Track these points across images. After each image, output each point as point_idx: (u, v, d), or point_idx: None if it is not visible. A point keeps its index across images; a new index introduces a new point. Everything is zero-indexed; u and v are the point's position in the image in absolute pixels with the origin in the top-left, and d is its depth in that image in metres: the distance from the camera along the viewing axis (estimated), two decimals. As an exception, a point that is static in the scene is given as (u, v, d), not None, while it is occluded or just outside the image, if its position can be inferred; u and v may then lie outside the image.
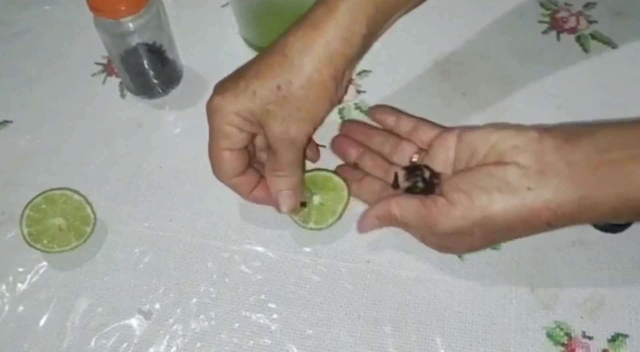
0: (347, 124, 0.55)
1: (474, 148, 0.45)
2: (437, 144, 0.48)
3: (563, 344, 0.45)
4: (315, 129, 0.46)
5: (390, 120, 0.52)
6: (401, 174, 0.49)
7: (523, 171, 0.42)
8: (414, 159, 0.50)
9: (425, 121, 0.51)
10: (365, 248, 0.50)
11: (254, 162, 0.50)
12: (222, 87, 0.46)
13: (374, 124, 0.54)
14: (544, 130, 0.43)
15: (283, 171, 0.47)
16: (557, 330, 0.45)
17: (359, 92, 0.58)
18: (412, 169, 0.49)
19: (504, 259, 0.48)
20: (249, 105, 0.44)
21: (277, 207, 0.48)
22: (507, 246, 0.49)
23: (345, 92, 0.49)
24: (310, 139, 0.48)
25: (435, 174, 0.48)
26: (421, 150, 0.50)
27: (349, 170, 0.52)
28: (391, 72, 0.59)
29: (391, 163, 0.51)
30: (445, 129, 0.49)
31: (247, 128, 0.46)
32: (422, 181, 0.48)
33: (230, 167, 0.47)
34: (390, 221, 0.47)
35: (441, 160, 0.48)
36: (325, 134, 0.54)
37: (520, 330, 0.45)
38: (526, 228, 0.43)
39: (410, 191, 0.48)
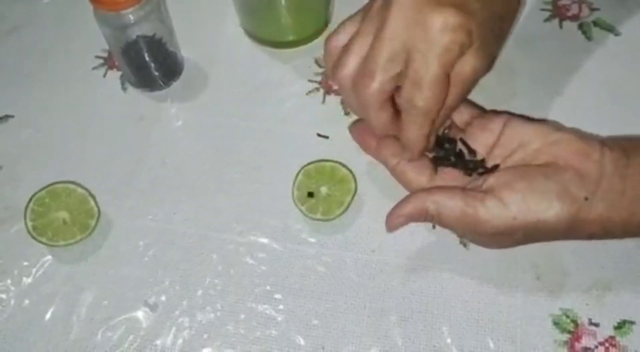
0: None
1: (527, 140, 0.43)
2: (480, 124, 0.46)
3: (569, 332, 0.45)
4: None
5: None
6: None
7: (583, 181, 0.41)
8: (445, 131, 0.48)
9: (467, 99, 0.48)
10: (371, 238, 0.49)
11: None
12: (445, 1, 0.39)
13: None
14: (605, 140, 0.43)
15: (452, 107, 0.43)
16: (564, 317, 0.45)
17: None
18: (445, 141, 0.47)
19: (509, 248, 0.48)
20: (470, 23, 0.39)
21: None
22: (512, 234, 0.49)
23: None
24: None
25: (470, 150, 0.46)
26: (454, 127, 0.48)
27: (367, 127, 0.46)
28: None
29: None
30: (491, 111, 0.47)
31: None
32: (455, 156, 0.46)
33: (444, 98, 0.41)
34: (425, 218, 0.44)
35: (479, 142, 0.46)
36: (329, 127, 0.54)
37: (526, 318, 0.45)
38: (568, 235, 0.42)
39: (438, 161, 0.46)
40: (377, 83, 0.41)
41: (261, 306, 0.47)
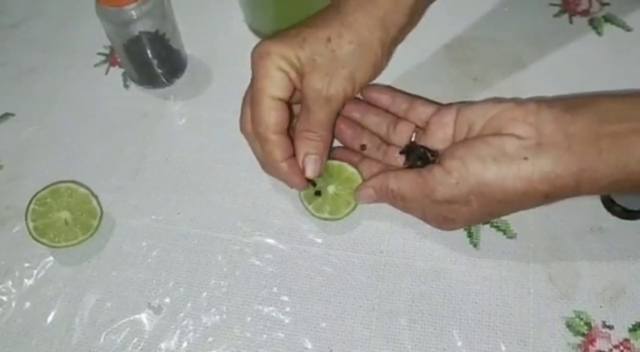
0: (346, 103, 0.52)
1: (472, 122, 0.44)
2: (435, 121, 0.47)
3: (583, 334, 0.44)
4: (353, 93, 0.45)
5: (385, 99, 0.51)
6: (399, 158, 0.49)
7: (521, 142, 0.41)
8: (413, 139, 0.49)
9: (421, 99, 0.50)
10: (379, 238, 0.49)
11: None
12: (272, 36, 0.45)
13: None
14: (542, 101, 0.43)
15: (313, 132, 0.45)
16: (577, 320, 0.44)
17: (368, 79, 0.57)
18: (409, 151, 0.48)
19: (520, 248, 0.47)
20: (298, 52, 0.44)
21: (295, 177, 0.46)
22: (524, 235, 0.48)
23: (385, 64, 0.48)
24: (343, 106, 0.46)
25: (432, 152, 0.47)
26: (419, 129, 0.49)
27: (346, 153, 0.51)
28: (400, 57, 0.57)
29: (389, 144, 0.50)
30: (443, 106, 0.48)
31: (292, 76, 0.44)
32: (419, 160, 0.47)
33: (277, 119, 0.45)
34: (387, 193, 0.45)
35: (439, 138, 0.47)
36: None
37: (538, 320, 0.44)
38: (523, 200, 0.42)
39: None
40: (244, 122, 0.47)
41: (267, 308, 0.46)
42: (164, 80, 0.58)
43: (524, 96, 0.54)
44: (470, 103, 0.46)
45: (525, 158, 0.40)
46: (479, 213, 0.43)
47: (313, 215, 0.49)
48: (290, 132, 0.47)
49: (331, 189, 0.49)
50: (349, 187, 0.48)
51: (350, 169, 0.48)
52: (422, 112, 0.49)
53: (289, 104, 0.46)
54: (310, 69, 0.44)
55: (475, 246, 0.48)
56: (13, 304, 0.48)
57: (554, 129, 0.41)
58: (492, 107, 0.44)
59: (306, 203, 0.49)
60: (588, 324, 0.44)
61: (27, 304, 0.48)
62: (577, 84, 0.54)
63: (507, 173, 0.41)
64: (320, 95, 0.44)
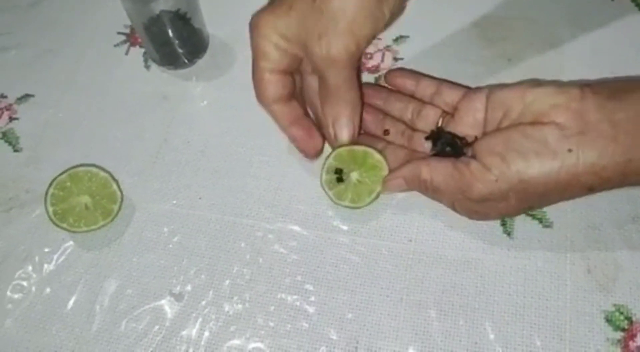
0: (366, 90, 0.51)
1: (507, 107, 0.42)
2: (464, 106, 0.45)
3: (623, 329, 0.42)
4: (358, 48, 0.42)
5: (409, 84, 0.49)
6: (426, 144, 0.47)
7: (563, 132, 0.39)
8: (440, 124, 0.47)
9: (448, 82, 0.48)
10: (407, 226, 0.47)
11: (299, 98, 0.48)
12: (262, 8, 0.45)
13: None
14: (586, 86, 0.40)
15: (333, 97, 0.44)
16: (617, 314, 0.42)
17: (396, 59, 0.55)
18: (436, 137, 0.46)
19: (557, 238, 0.45)
20: (286, 21, 0.42)
21: (307, 139, 0.46)
22: (561, 224, 0.45)
23: (394, 18, 0.45)
24: (357, 64, 0.44)
25: (460, 138, 0.45)
26: (446, 114, 0.47)
27: (369, 139, 0.49)
28: (430, 37, 0.56)
29: (414, 130, 0.48)
30: (472, 89, 0.46)
31: (285, 47, 0.43)
32: (448, 146, 0.45)
33: (271, 91, 0.45)
34: (419, 184, 0.44)
35: (469, 123, 0.45)
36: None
37: (576, 314, 0.42)
38: (565, 193, 0.40)
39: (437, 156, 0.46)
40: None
41: (291, 297, 0.45)
42: (185, 60, 0.56)
43: (562, 78, 0.51)
44: (501, 86, 0.43)
45: (569, 150, 0.38)
46: (516, 208, 0.42)
47: (334, 202, 0.47)
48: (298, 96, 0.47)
49: (354, 176, 0.47)
50: (373, 175, 0.46)
51: (377, 156, 0.46)
52: (449, 96, 0.46)
53: (290, 73, 0.45)
54: (305, 36, 0.42)
55: (509, 235, 0.45)
56: (33, 289, 0.47)
57: (599, 117, 0.38)
58: (530, 90, 0.41)
59: (327, 189, 0.47)
60: (629, 318, 0.42)
61: (47, 289, 0.47)
62: (618, 66, 0.52)
63: (550, 168, 0.38)
64: (323, 59, 0.42)
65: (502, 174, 0.39)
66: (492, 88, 0.44)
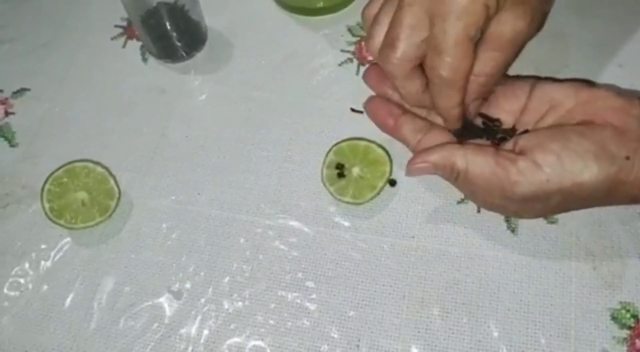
0: None
1: (557, 102, 0.40)
2: (504, 91, 0.43)
3: (630, 327, 0.41)
4: (530, 33, 0.40)
5: None
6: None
7: (622, 138, 0.37)
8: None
9: None
10: (410, 222, 0.46)
11: None
12: None
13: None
14: None
15: (493, 76, 0.40)
16: (623, 312, 0.41)
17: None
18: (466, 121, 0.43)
19: (562, 233, 0.44)
20: None
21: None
22: (566, 219, 0.45)
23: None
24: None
25: (491, 119, 0.43)
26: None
27: (387, 104, 0.45)
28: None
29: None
30: (516, 77, 0.44)
31: (492, 12, 0.37)
32: (481, 129, 0.43)
33: (471, 65, 0.38)
34: (450, 173, 0.40)
35: (505, 109, 0.43)
36: (363, 101, 0.50)
37: (581, 312, 0.42)
38: (605, 199, 0.38)
39: (463, 136, 0.43)
40: (400, 51, 0.39)
41: (292, 294, 0.44)
42: (183, 53, 0.55)
43: (567, 71, 0.51)
44: (549, 80, 0.42)
45: (627, 157, 0.37)
46: (553, 209, 0.40)
47: (335, 198, 0.46)
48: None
49: (356, 171, 0.46)
50: (375, 170, 0.45)
51: (378, 151, 0.45)
52: None
53: None
54: (508, 5, 0.37)
55: (513, 231, 0.45)
56: (30, 286, 0.46)
57: None
58: (586, 89, 0.40)
59: (328, 185, 0.46)
60: (635, 316, 0.41)
61: (45, 287, 0.46)
62: (625, 59, 0.51)
63: (607, 173, 0.37)
64: (521, 34, 0.38)
65: (555, 174, 0.37)
66: (539, 80, 0.42)
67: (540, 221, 0.45)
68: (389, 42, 0.40)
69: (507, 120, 0.43)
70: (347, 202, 0.46)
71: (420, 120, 0.44)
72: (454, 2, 0.36)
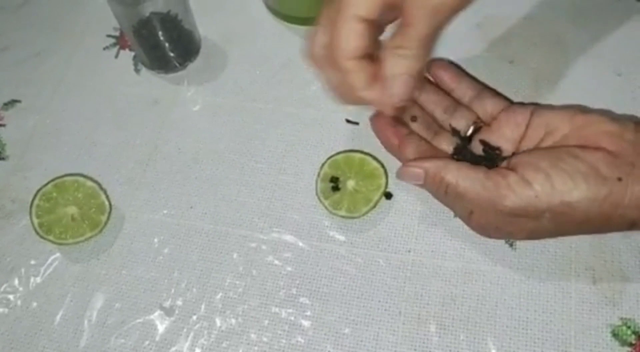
0: None
1: (553, 127, 0.40)
2: (506, 118, 0.43)
3: (631, 344, 0.40)
4: (462, 4, 0.38)
5: (451, 80, 0.46)
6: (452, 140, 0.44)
7: (614, 160, 0.37)
8: (471, 130, 0.44)
9: (491, 90, 0.46)
10: (406, 236, 0.45)
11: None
12: None
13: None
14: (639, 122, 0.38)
15: (410, 48, 0.37)
16: (624, 328, 0.40)
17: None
18: (465, 143, 0.43)
19: (561, 248, 0.43)
20: None
21: (385, 99, 0.39)
22: (565, 233, 0.44)
23: None
24: (448, 21, 0.38)
25: (493, 149, 0.43)
26: (480, 121, 0.44)
27: (394, 122, 0.44)
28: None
29: (440, 126, 0.45)
30: (516, 103, 0.44)
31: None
32: (482, 156, 0.43)
33: (361, 43, 0.38)
34: (439, 185, 0.40)
35: (506, 137, 0.43)
36: (359, 112, 0.49)
37: (581, 328, 0.41)
38: (605, 225, 0.37)
39: (461, 158, 0.43)
40: (345, 33, 0.38)
41: (286, 311, 0.43)
42: (176, 64, 0.54)
43: (565, 80, 0.50)
44: (548, 106, 0.42)
45: (619, 179, 0.36)
46: (547, 231, 0.39)
47: (329, 212, 0.45)
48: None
49: (350, 184, 0.45)
50: (370, 184, 0.45)
51: (374, 164, 0.45)
52: (490, 104, 0.44)
53: (377, 25, 0.39)
54: None
55: (511, 245, 0.44)
56: (19, 303, 0.45)
57: None
58: (580, 115, 0.40)
59: (322, 198, 0.45)
60: (636, 333, 0.40)
61: (34, 303, 0.45)
62: (624, 67, 0.50)
63: (597, 194, 0.36)
64: (427, 4, 0.36)
65: (543, 192, 0.37)
66: (538, 106, 0.42)
67: (539, 235, 0.44)
68: (334, 33, 0.39)
69: (507, 148, 0.43)
70: (342, 216, 0.45)
71: (424, 143, 0.44)
72: None
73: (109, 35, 0.58)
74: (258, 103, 0.52)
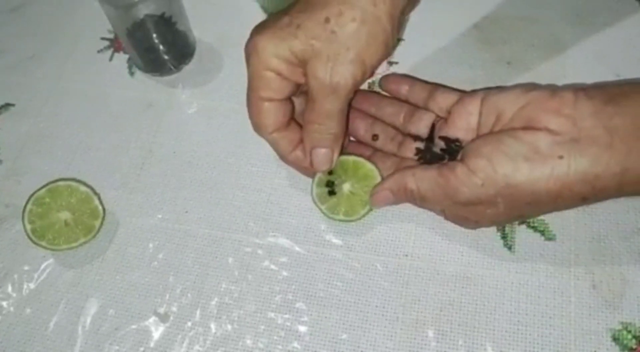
0: (356, 95, 0.48)
1: (500, 110, 0.40)
2: (458, 109, 0.43)
3: (631, 349, 0.40)
4: (364, 77, 0.40)
5: (404, 89, 0.47)
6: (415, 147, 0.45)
7: (555, 138, 0.37)
8: (434, 128, 0.45)
9: (443, 86, 0.46)
10: (403, 240, 0.44)
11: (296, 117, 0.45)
12: (262, 25, 0.41)
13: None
14: (580, 90, 0.38)
15: (319, 123, 0.41)
16: (624, 332, 0.40)
17: (390, 63, 0.53)
18: (426, 146, 0.44)
19: (560, 251, 0.43)
20: (292, 43, 0.39)
21: (310, 168, 0.43)
22: (564, 236, 0.43)
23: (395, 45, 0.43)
24: (354, 92, 0.41)
25: (453, 141, 0.43)
26: (439, 119, 0.45)
27: (357, 147, 0.47)
28: (426, 40, 0.53)
29: (405, 135, 0.46)
30: (467, 93, 0.44)
31: (289, 74, 0.40)
32: (444, 150, 0.43)
33: (271, 120, 0.42)
34: (406, 195, 0.42)
35: (462, 127, 0.43)
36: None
37: (581, 332, 0.40)
38: (557, 202, 0.38)
39: (432, 161, 0.44)
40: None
41: (282, 316, 0.43)
42: (171, 67, 0.54)
43: (564, 81, 0.50)
44: (498, 89, 0.41)
45: (561, 156, 0.36)
46: (506, 215, 0.40)
47: (327, 216, 0.45)
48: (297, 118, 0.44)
49: (346, 187, 0.45)
50: (366, 185, 0.44)
51: (368, 166, 0.44)
52: (443, 101, 0.44)
53: (289, 98, 0.42)
54: (310, 56, 0.39)
55: (510, 248, 0.43)
56: (12, 309, 0.45)
57: (593, 122, 0.36)
58: (523, 95, 0.39)
59: (319, 203, 0.45)
60: (637, 337, 0.40)
61: (28, 310, 0.45)
62: (623, 68, 0.50)
63: (540, 174, 0.36)
64: (325, 84, 0.39)
65: (488, 178, 0.38)
66: (488, 92, 0.42)
67: (538, 238, 0.44)
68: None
69: (466, 138, 0.42)
70: (340, 220, 0.45)
71: (389, 158, 0.45)
72: (247, 67, 0.41)
73: (103, 38, 0.57)
74: (254, 106, 0.52)
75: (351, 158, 0.45)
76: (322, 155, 0.42)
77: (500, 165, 0.37)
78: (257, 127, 0.43)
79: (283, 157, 0.44)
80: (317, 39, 0.38)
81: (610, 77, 0.49)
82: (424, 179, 0.41)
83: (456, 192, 0.39)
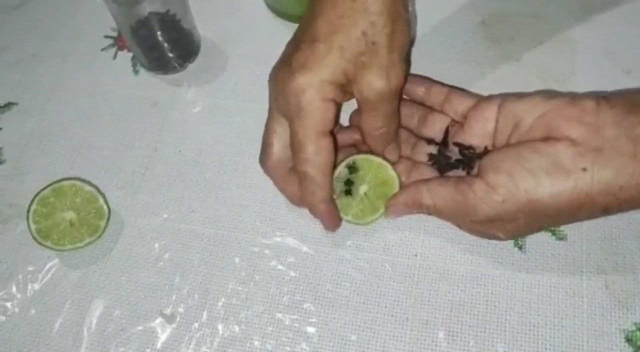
0: None
1: (519, 119, 0.39)
2: (474, 114, 0.42)
3: (645, 350, 0.39)
4: (409, 68, 0.40)
5: (420, 91, 0.46)
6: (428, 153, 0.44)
7: (578, 149, 0.36)
8: (448, 132, 0.44)
9: (460, 90, 0.45)
10: (413, 240, 0.44)
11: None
12: (295, 63, 0.39)
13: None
14: (602, 98, 0.37)
15: (386, 125, 0.41)
16: (637, 333, 0.40)
17: (397, 61, 0.52)
18: (438, 156, 0.44)
19: (572, 251, 0.42)
20: (342, 65, 0.38)
21: (336, 217, 0.43)
22: (576, 236, 0.43)
23: None
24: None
25: (467, 148, 0.42)
26: (455, 123, 0.44)
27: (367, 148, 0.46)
28: (432, 37, 0.53)
29: (419, 138, 0.45)
30: (484, 98, 0.43)
31: (342, 97, 0.40)
32: (461, 163, 0.43)
33: (325, 157, 0.40)
34: (421, 209, 0.42)
35: (478, 133, 0.42)
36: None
37: (593, 334, 0.40)
38: (578, 214, 0.37)
39: (442, 170, 0.43)
40: (273, 155, 0.43)
41: (290, 317, 0.42)
42: (175, 65, 0.53)
43: (573, 78, 0.49)
44: (516, 96, 0.41)
45: (584, 169, 0.35)
46: (526, 229, 0.39)
47: (336, 214, 0.44)
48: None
49: (362, 189, 0.44)
50: (381, 192, 0.43)
51: (390, 172, 0.43)
52: (459, 104, 0.43)
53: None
54: (362, 72, 0.38)
55: (520, 248, 0.43)
56: (17, 310, 0.44)
57: (616, 132, 0.36)
58: (543, 102, 0.39)
59: (334, 197, 0.44)
60: (650, 338, 0.39)
61: (32, 311, 0.44)
62: (633, 65, 0.49)
63: (562, 188, 0.36)
64: (385, 92, 0.39)
65: (509, 194, 0.37)
66: (505, 97, 0.41)
67: (549, 238, 0.43)
68: (263, 148, 0.43)
69: (481, 145, 0.42)
70: (348, 221, 0.44)
71: (400, 162, 0.45)
72: (295, 105, 0.39)
73: (106, 36, 0.57)
74: (259, 103, 0.51)
75: (378, 159, 0.43)
76: (393, 150, 0.43)
77: (521, 180, 0.36)
78: (315, 166, 0.39)
79: (316, 204, 0.41)
80: (364, 55, 0.38)
81: (619, 74, 0.49)
82: (440, 194, 0.40)
83: (475, 209, 0.38)
